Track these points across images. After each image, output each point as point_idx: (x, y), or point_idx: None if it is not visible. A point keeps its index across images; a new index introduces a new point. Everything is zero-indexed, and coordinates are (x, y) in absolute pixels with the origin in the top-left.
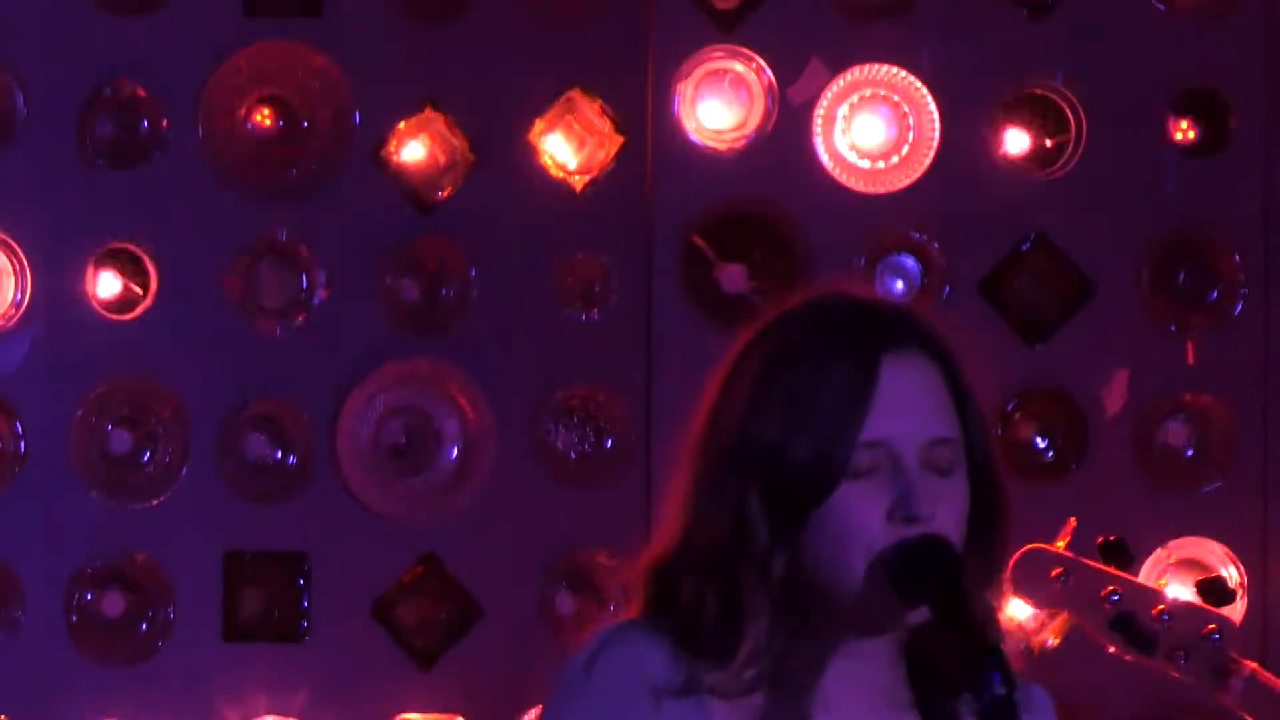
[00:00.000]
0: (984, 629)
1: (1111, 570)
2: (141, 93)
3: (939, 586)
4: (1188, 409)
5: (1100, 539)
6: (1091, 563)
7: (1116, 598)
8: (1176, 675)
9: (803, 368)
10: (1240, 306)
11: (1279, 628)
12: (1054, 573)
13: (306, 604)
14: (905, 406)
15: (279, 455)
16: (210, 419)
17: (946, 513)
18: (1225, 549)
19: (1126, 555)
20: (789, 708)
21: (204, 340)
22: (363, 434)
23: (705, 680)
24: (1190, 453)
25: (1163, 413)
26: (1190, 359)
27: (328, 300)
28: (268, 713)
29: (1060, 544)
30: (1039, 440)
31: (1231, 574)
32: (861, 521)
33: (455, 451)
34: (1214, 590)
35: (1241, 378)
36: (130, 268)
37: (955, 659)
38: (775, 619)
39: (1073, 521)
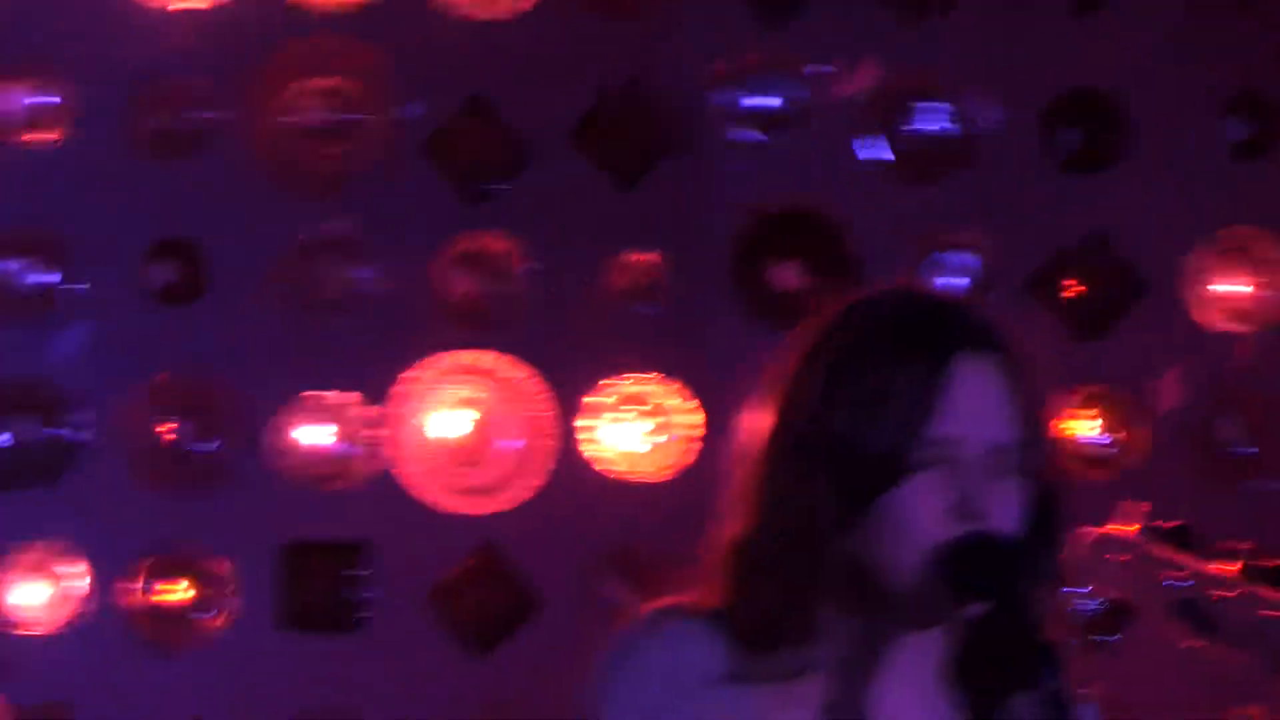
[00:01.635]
0: (1039, 627)
1: (1176, 555)
2: (194, 84)
3: (994, 584)
4: (1242, 406)
5: (1164, 524)
6: (1156, 547)
7: (1181, 582)
8: (1239, 660)
9: (877, 362)
10: None
11: None
12: (1120, 558)
13: (364, 594)
14: (973, 406)
15: (336, 446)
16: (267, 410)
17: (1006, 513)
18: None
19: (1190, 541)
20: (843, 697)
21: (260, 331)
22: (420, 425)
23: (755, 667)
24: (1246, 449)
25: (1218, 409)
26: (1245, 356)
27: (385, 292)
28: (326, 702)
29: (1125, 529)
30: (1097, 435)
31: None
32: (923, 516)
33: (512, 445)
34: (1273, 575)
35: None
36: (185, 259)
37: (1009, 656)
38: (834, 608)
39: (1141, 506)
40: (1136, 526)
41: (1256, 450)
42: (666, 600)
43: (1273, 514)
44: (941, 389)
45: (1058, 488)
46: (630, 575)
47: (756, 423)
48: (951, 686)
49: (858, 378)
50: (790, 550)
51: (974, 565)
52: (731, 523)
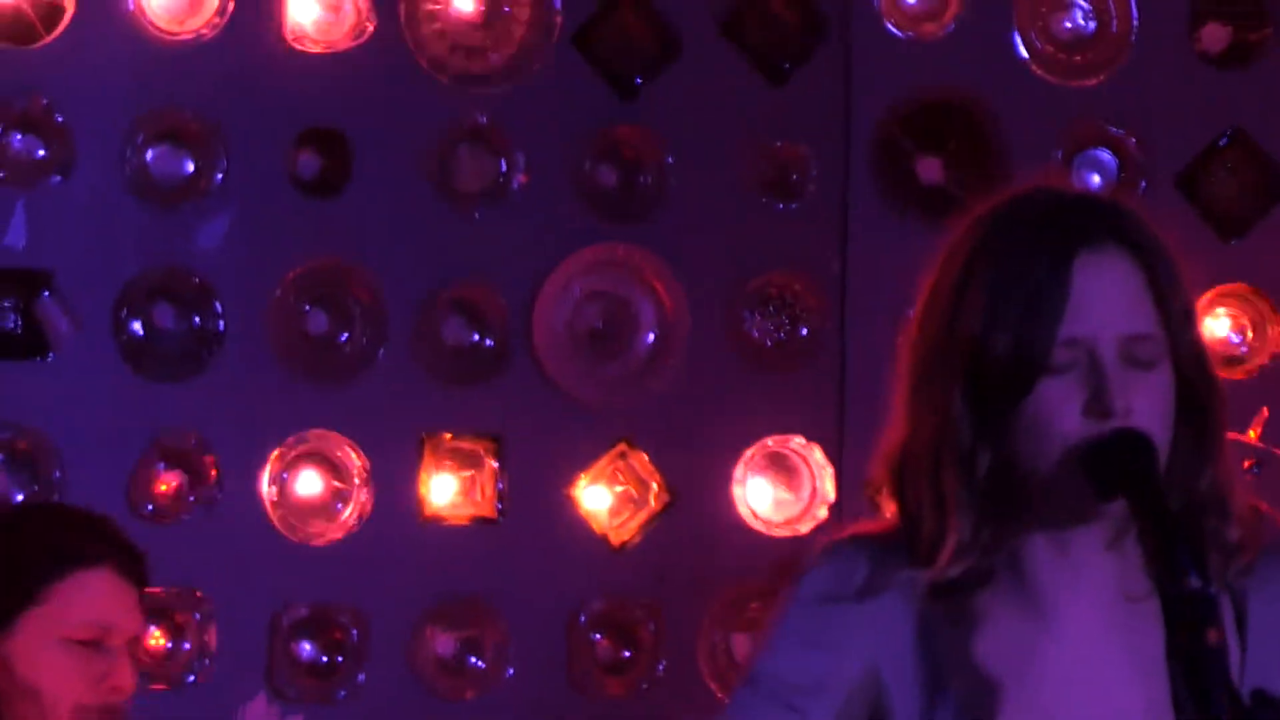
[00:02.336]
0: (1184, 520)
1: None
2: None
3: (1133, 480)
4: None
5: None
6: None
7: None
8: None
9: (1002, 264)
10: None
11: None
12: (1245, 464)
13: (501, 486)
14: (1101, 303)
15: (475, 338)
16: (408, 302)
17: (1145, 407)
18: None
19: None
20: (996, 601)
21: (402, 223)
22: (559, 318)
23: (917, 584)
24: None
25: None
26: None
27: (526, 185)
28: (463, 591)
29: (1252, 434)
30: (1233, 335)
31: None
32: (1058, 417)
33: (651, 337)
34: None
35: None
36: (331, 149)
37: (1155, 551)
38: (980, 516)
39: (1264, 411)
40: (1259, 430)
41: None
42: (846, 529)
43: None
44: (1065, 287)
45: (1207, 379)
46: (770, 472)
47: (908, 329)
48: (1101, 588)
49: (985, 282)
50: (932, 461)
51: (1109, 462)
52: (889, 437)
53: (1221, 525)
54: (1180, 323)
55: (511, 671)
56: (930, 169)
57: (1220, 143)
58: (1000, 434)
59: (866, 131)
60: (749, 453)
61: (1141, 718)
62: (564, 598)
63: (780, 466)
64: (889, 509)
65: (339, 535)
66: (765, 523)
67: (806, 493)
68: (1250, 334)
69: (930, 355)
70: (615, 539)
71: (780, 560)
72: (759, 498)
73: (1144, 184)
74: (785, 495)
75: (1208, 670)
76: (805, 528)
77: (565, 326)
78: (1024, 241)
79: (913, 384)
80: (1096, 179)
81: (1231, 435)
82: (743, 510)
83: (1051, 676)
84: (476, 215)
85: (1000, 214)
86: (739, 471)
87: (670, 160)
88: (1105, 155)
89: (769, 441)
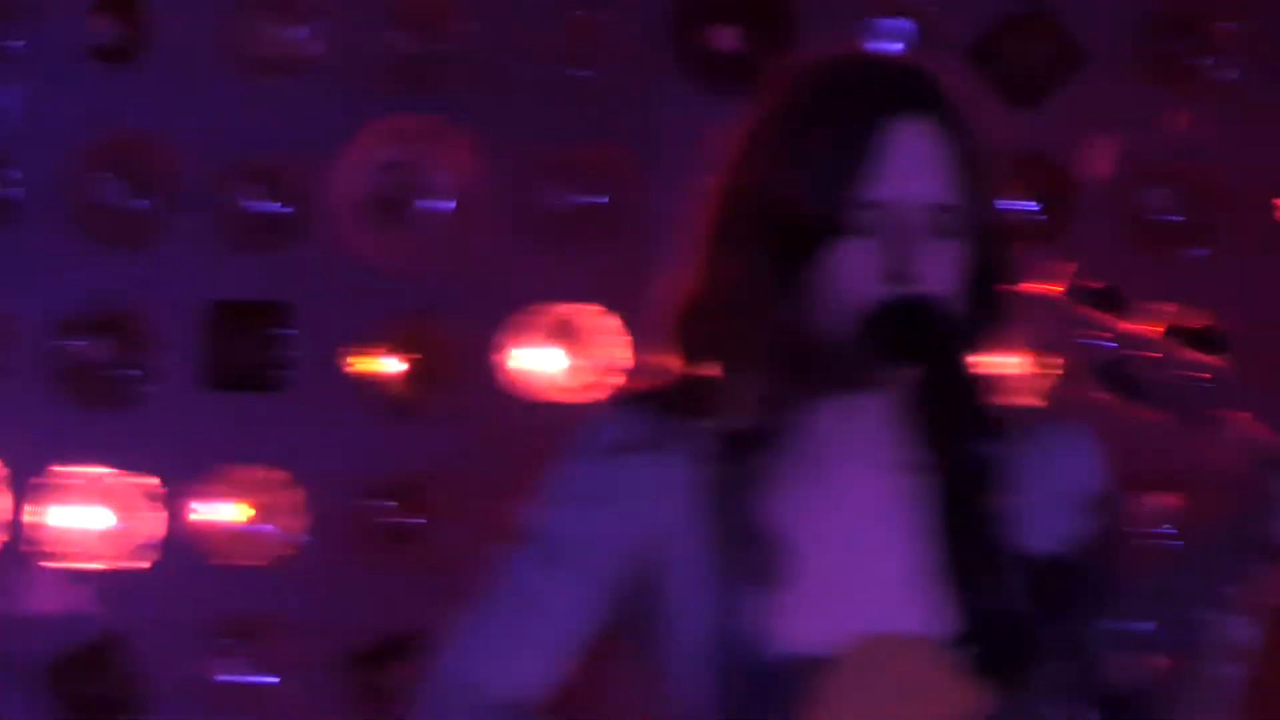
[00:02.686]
0: (976, 389)
1: (1100, 316)
2: None
3: (926, 346)
4: (1176, 176)
5: (1091, 285)
6: (1082, 308)
7: (1106, 343)
8: (1160, 421)
9: (810, 125)
10: (1234, 74)
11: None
12: (1045, 318)
13: (289, 354)
14: (906, 167)
15: (271, 206)
16: (203, 170)
17: (942, 276)
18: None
19: (1118, 302)
20: (781, 463)
21: (199, 91)
22: (348, 185)
23: (697, 440)
24: (1176, 219)
25: (1150, 179)
26: (1180, 126)
27: (323, 52)
28: (246, 460)
29: (1051, 288)
30: (1028, 204)
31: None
32: (856, 279)
33: (449, 206)
34: (1205, 338)
35: (1230, 145)
36: (127, 16)
37: (943, 417)
38: (769, 372)
39: (1069, 266)
40: (1062, 287)
41: (1183, 219)
42: (625, 390)
43: (1197, 280)
44: (873, 149)
45: (1004, 252)
46: (565, 341)
47: (703, 190)
48: (885, 453)
49: (790, 140)
50: (723, 314)
51: (904, 327)
52: (678, 292)
53: (1000, 397)
54: (983, 195)
55: (304, 540)
56: (726, 38)
57: (1016, 12)
58: (796, 293)
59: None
60: (544, 321)
61: (916, 582)
62: (354, 467)
63: (573, 335)
64: (673, 364)
65: (128, 402)
66: (560, 390)
67: (601, 361)
68: (1045, 202)
69: (733, 211)
70: (410, 407)
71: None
72: (553, 365)
73: (940, 51)
74: (580, 363)
75: (989, 535)
76: (599, 395)
77: (361, 194)
78: (837, 103)
79: (712, 238)
80: (893, 46)
81: (1040, 288)
82: (535, 378)
83: (831, 540)
84: (273, 82)
85: (811, 76)
86: (534, 339)
87: (471, 28)
88: (902, 23)
89: (564, 310)
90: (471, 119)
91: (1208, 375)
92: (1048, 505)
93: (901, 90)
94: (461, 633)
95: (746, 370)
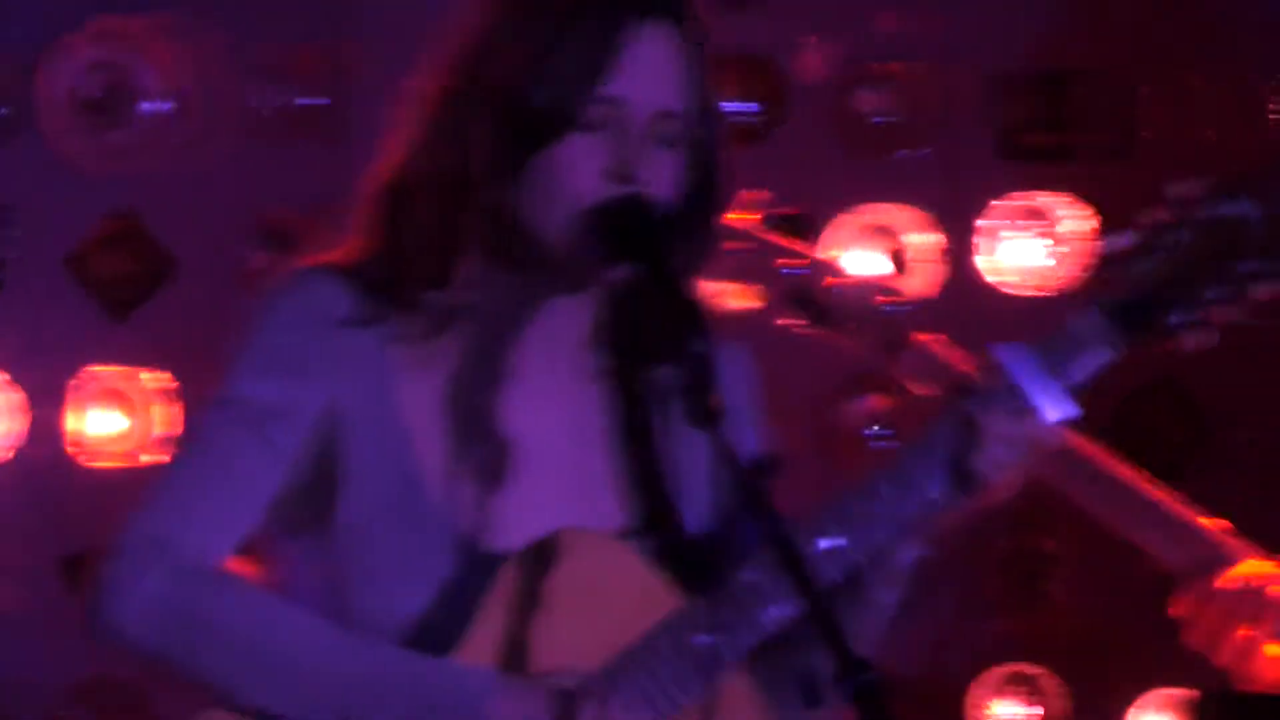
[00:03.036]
0: (687, 293)
1: (788, 242)
2: None
3: (642, 246)
4: (886, 76)
5: (777, 211)
6: (768, 235)
7: (792, 270)
8: (852, 346)
9: (550, 15)
10: None
11: (968, 295)
12: (729, 246)
13: (3, 256)
14: (643, 70)
15: None
16: None
17: (664, 180)
18: (917, 214)
19: (804, 227)
20: (479, 354)
21: None
22: (62, 87)
23: (394, 315)
24: (886, 120)
25: (861, 79)
26: (892, 25)
27: None
28: None
29: (745, 217)
30: (740, 104)
31: (917, 241)
32: (577, 174)
33: (156, 107)
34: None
35: (948, 46)
36: None
37: (655, 322)
38: (481, 257)
39: (752, 195)
40: (756, 215)
41: (896, 119)
42: (312, 258)
43: (909, 181)
44: (613, 48)
45: (719, 162)
46: (270, 241)
47: (428, 67)
48: (597, 352)
49: (531, 28)
50: (437, 193)
51: (623, 226)
52: (386, 165)
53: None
54: (706, 103)
55: None
56: None
57: None
58: (514, 180)
59: None
60: (252, 224)
61: (609, 480)
62: (66, 366)
63: (282, 238)
64: (369, 237)
65: None
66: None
67: None
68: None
69: (458, 89)
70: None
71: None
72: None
73: None
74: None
75: (713, 431)
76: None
77: (68, 95)
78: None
79: (432, 113)
80: None
81: (734, 218)
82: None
83: (514, 427)
84: None
85: None
86: (245, 241)
87: None
88: None
89: (271, 212)
90: (179, 22)
91: (887, 298)
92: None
93: None
94: (155, 491)
95: (456, 251)
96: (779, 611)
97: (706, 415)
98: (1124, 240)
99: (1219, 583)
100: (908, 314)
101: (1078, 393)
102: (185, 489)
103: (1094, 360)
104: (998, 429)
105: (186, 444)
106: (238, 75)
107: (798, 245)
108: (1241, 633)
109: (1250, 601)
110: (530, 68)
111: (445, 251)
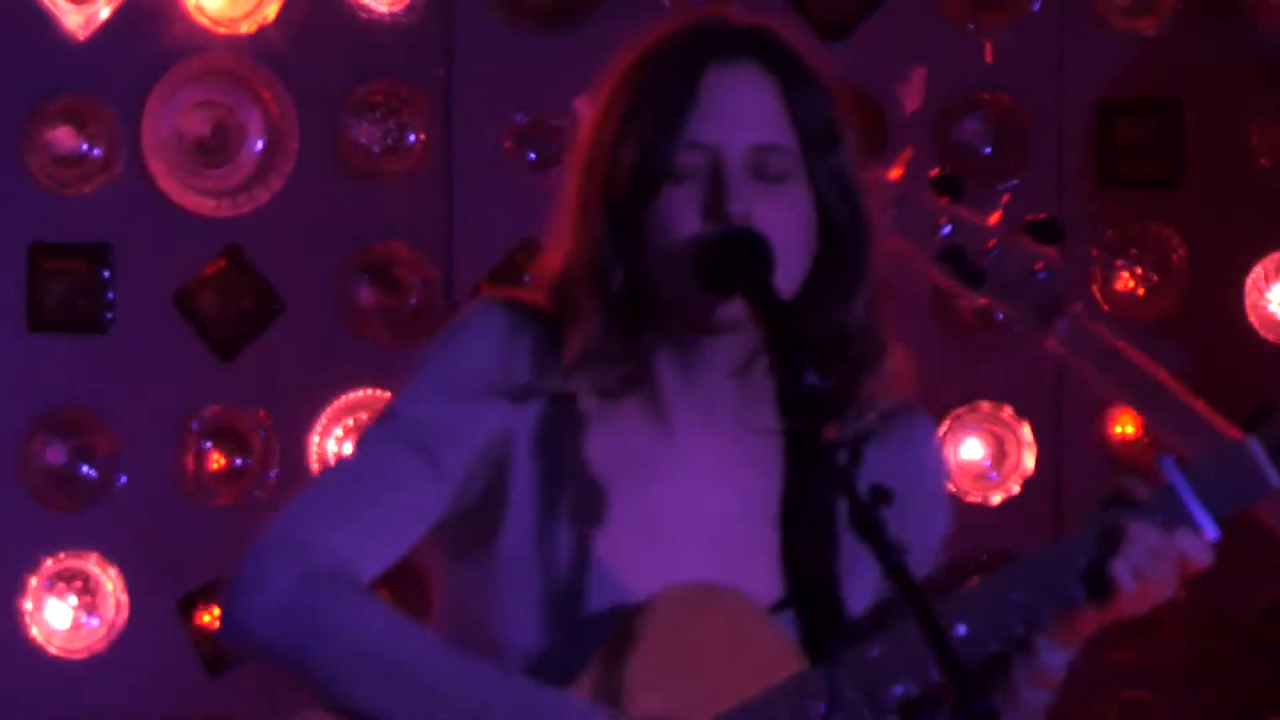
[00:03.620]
0: (792, 315)
1: (943, 202)
2: None
3: (745, 276)
4: (985, 106)
5: (934, 171)
6: (924, 194)
7: (947, 229)
8: (1003, 310)
9: (639, 80)
10: (1037, 4)
11: None
12: (890, 205)
13: (110, 295)
14: (728, 111)
15: (84, 147)
16: (13, 111)
17: (769, 216)
18: None
19: (960, 189)
20: (632, 417)
21: (2, 31)
22: (167, 126)
23: (564, 373)
24: (987, 150)
25: (960, 110)
26: (988, 57)
27: None
28: (71, 402)
29: (894, 172)
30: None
31: None
32: (679, 222)
33: (259, 145)
34: (1044, 229)
35: (1037, 75)
36: None
37: (783, 354)
38: (610, 325)
39: (909, 150)
40: (900, 171)
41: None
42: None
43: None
44: (691, 95)
45: (852, 198)
46: (375, 278)
47: (572, 154)
48: (740, 408)
49: (624, 97)
50: (580, 278)
51: (724, 257)
52: (549, 262)
53: (862, 367)
54: (819, 141)
55: (124, 480)
56: None
57: None
58: (633, 247)
59: None
60: (356, 260)
61: (746, 541)
62: (175, 406)
63: (386, 275)
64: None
65: None
66: (372, 328)
67: (414, 300)
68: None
69: (584, 181)
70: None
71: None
72: (366, 301)
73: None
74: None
75: (820, 464)
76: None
77: (173, 134)
78: (660, 57)
79: (568, 209)
80: None
81: (884, 174)
82: (348, 315)
83: (665, 491)
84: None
85: (644, 39)
86: (349, 279)
87: None
88: None
89: (377, 248)
90: (279, 59)
91: (1041, 265)
92: (900, 499)
93: (721, 36)
94: (307, 494)
95: (591, 325)
96: (903, 690)
97: (817, 448)
98: None
99: None
100: (1065, 282)
101: (1226, 519)
102: (337, 497)
103: (1252, 493)
104: (1148, 540)
105: (349, 456)
106: (339, 112)
107: (950, 204)
108: None
109: None
110: (622, 132)
111: (583, 326)
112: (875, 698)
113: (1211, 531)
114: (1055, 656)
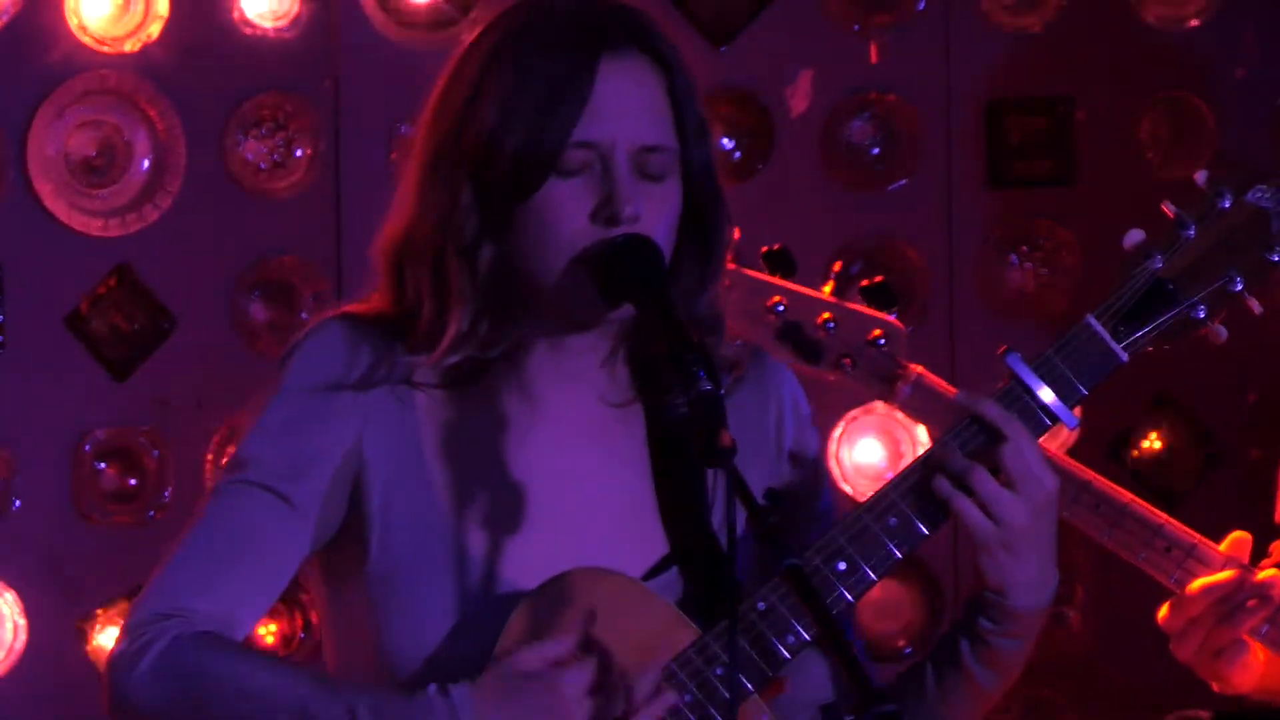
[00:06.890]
0: (688, 327)
1: (775, 280)
2: None
3: (640, 284)
4: (872, 107)
5: (764, 249)
6: (754, 273)
7: (781, 308)
8: (843, 381)
9: (521, 63)
10: (922, 4)
11: (961, 325)
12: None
13: (1, 318)
14: (620, 109)
15: None
16: None
17: (654, 217)
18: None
19: (790, 264)
20: (492, 400)
21: None
22: (53, 146)
23: (411, 370)
24: (876, 150)
25: (848, 111)
26: (873, 58)
27: (16, 14)
28: None
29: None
30: (725, 141)
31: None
32: (566, 219)
33: (146, 163)
34: (878, 293)
35: (924, 76)
36: None
37: (663, 356)
38: (479, 309)
39: (737, 233)
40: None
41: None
42: (332, 310)
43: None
44: (584, 90)
45: (716, 194)
46: (267, 293)
47: (421, 126)
48: (618, 390)
49: (502, 80)
50: (434, 254)
51: (618, 266)
52: (392, 226)
53: (718, 341)
54: (694, 137)
55: (18, 504)
56: None
57: None
58: (505, 231)
59: None
60: (248, 276)
61: (618, 510)
62: (68, 428)
63: (278, 290)
64: (384, 295)
65: None
66: (265, 343)
67: (306, 314)
68: (744, 140)
69: (442, 148)
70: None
71: None
72: (258, 316)
73: None
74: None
75: (698, 473)
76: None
77: (59, 155)
78: (545, 43)
79: (422, 174)
80: None
81: None
82: (241, 331)
83: (539, 470)
84: None
85: (520, 18)
86: (236, 293)
87: None
88: None
89: (268, 262)
90: (163, 76)
91: (879, 332)
92: (763, 443)
93: (612, 28)
94: (173, 562)
95: (458, 305)
96: (794, 640)
97: (716, 453)
98: (1140, 235)
99: (1189, 591)
100: (897, 346)
101: (1080, 402)
102: (200, 561)
103: (1102, 369)
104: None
105: (202, 515)
106: (226, 128)
107: (782, 281)
108: (1220, 637)
109: (1226, 604)
110: (504, 118)
111: (449, 304)
112: (768, 650)
113: (1069, 419)
114: (1009, 644)
